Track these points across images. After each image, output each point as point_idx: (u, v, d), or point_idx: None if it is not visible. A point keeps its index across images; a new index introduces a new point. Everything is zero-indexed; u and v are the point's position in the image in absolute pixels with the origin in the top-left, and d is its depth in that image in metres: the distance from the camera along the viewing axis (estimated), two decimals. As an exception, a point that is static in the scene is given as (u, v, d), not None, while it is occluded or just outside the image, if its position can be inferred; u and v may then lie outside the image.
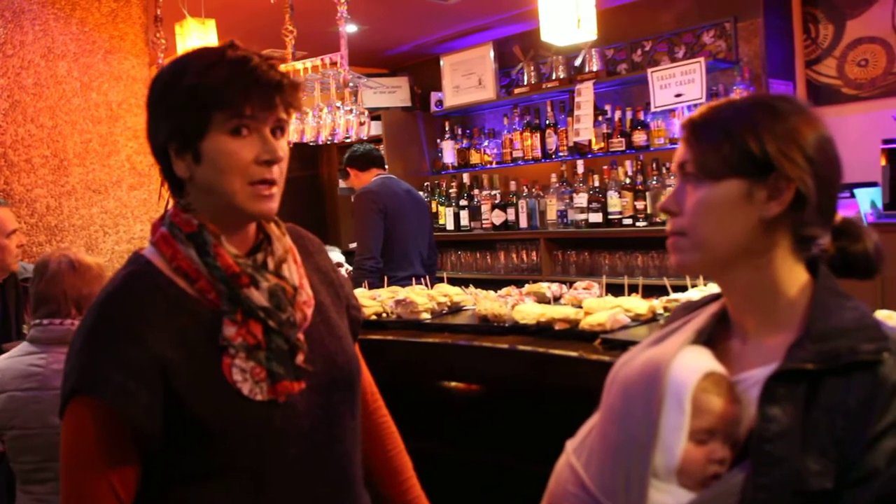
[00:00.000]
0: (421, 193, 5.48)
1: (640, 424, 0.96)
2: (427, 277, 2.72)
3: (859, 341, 0.90)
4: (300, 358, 1.16)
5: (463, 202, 5.18)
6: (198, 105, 1.09)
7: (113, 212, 3.59)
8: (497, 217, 4.91)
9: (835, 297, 0.97)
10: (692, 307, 1.14)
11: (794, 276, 1.00)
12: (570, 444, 1.08)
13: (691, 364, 0.98)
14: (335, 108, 2.94)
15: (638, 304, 1.98)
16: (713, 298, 1.12)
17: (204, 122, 1.09)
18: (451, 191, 5.29)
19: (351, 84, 2.98)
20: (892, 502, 0.83)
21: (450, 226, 5.22)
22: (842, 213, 1.04)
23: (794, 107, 1.00)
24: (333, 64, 2.93)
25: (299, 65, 2.96)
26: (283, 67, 1.18)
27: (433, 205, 5.36)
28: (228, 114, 1.09)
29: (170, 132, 1.11)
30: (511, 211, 4.86)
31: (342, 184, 5.81)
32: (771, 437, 0.88)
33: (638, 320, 1.93)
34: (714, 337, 1.06)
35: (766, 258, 0.99)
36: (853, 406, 0.87)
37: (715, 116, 1.01)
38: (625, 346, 1.66)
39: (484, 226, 5.01)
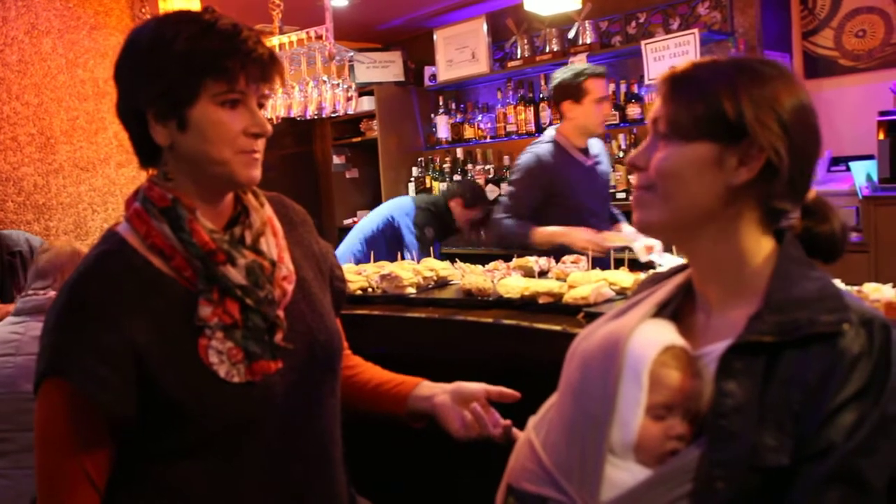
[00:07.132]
0: (414, 169, 5.42)
1: (597, 399, 0.93)
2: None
3: (819, 312, 0.87)
4: (279, 336, 1.14)
5: (457, 177, 5.13)
6: (190, 71, 1.07)
7: (101, 189, 3.57)
8: (491, 192, 4.88)
9: (798, 267, 0.94)
10: (659, 279, 1.12)
11: (760, 246, 0.97)
12: (532, 420, 1.06)
13: (650, 337, 0.95)
14: (321, 83, 2.90)
15: (623, 278, 1.95)
16: (679, 269, 1.09)
17: (195, 89, 1.07)
18: (444, 166, 5.25)
19: (337, 58, 2.94)
20: (849, 478, 0.81)
21: (444, 201, 5.17)
22: (814, 191, 1.01)
23: (778, 72, 0.96)
24: (319, 37, 2.88)
25: (284, 38, 2.91)
26: (268, 41, 1.16)
27: (427, 180, 5.32)
28: (221, 83, 1.07)
29: (153, 96, 1.08)
30: (505, 185, 4.82)
31: (336, 160, 5.77)
32: (726, 412, 0.86)
33: (623, 294, 1.91)
34: (680, 310, 1.04)
35: (732, 227, 0.96)
36: (811, 379, 0.84)
37: (694, 74, 0.98)
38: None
39: (478, 201, 4.96)
